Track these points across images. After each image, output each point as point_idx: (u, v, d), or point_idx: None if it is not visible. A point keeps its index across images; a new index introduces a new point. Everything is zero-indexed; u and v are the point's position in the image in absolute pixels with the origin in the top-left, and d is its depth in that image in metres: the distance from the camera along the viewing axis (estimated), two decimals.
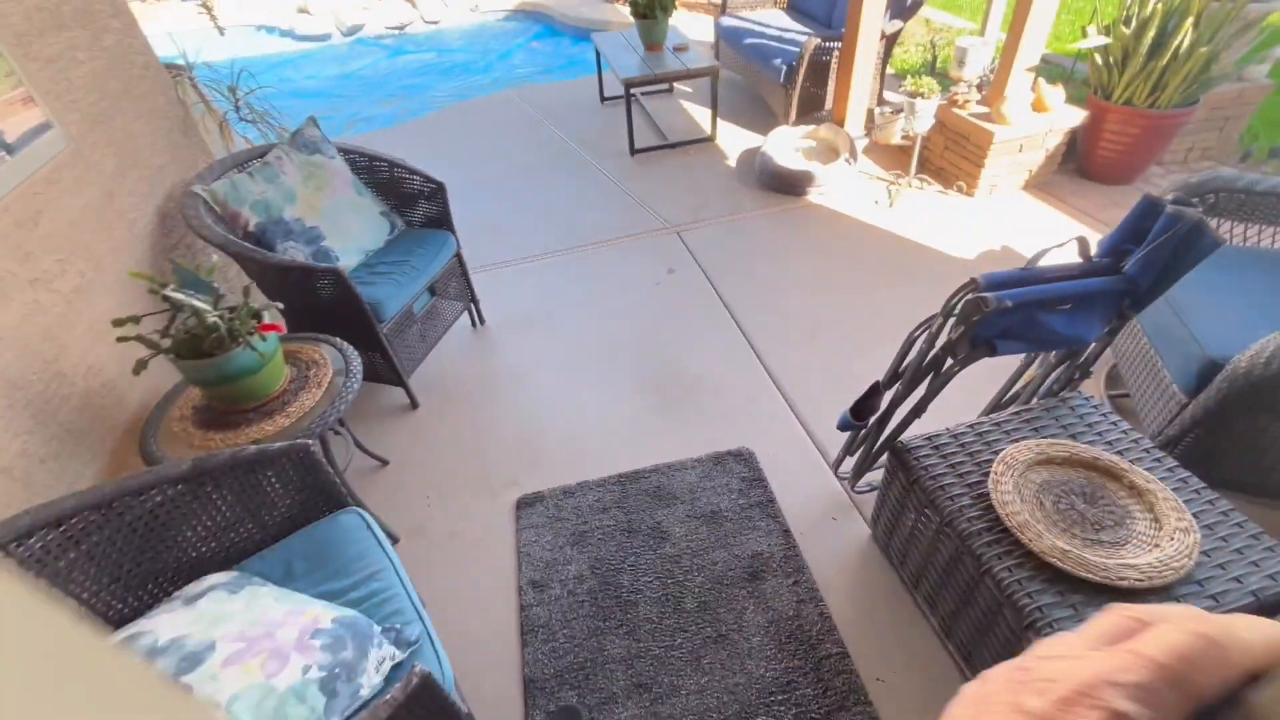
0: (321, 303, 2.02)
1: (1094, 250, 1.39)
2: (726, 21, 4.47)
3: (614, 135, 4.22)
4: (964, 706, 0.24)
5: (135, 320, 1.36)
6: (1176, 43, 2.76)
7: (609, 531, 1.84)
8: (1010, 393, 1.75)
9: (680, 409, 2.26)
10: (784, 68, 3.73)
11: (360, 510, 1.40)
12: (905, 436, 1.57)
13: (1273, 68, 3.27)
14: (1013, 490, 1.37)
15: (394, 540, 1.88)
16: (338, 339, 1.79)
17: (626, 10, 3.90)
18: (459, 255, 2.48)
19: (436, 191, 2.38)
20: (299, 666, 1.02)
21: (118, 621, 1.14)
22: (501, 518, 1.94)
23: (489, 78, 6.32)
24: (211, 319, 1.34)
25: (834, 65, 3.75)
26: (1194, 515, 1.32)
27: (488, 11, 8.17)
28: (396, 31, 7.90)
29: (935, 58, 3.76)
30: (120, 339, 1.34)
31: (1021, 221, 3.10)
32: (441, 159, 4.17)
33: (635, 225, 3.33)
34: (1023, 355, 1.77)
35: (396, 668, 1.13)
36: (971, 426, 1.58)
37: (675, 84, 4.85)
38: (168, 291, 1.32)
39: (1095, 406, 1.59)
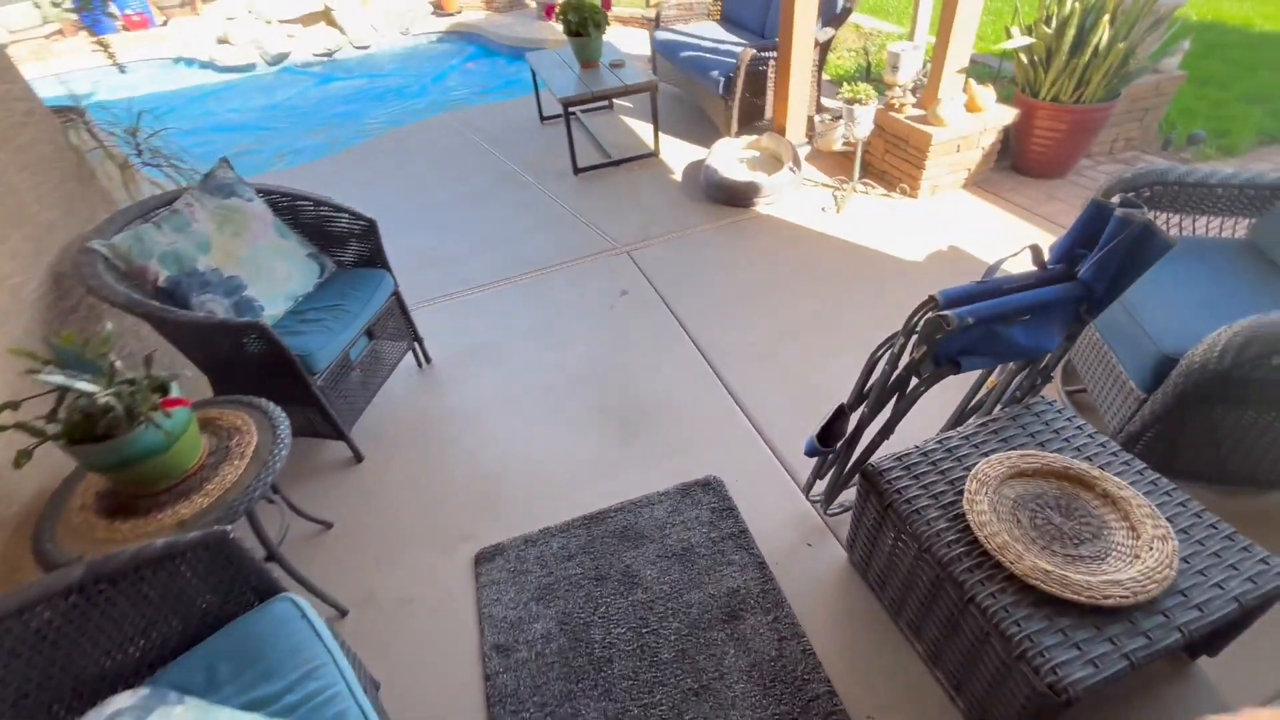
0: (248, 358, 1.86)
1: (1047, 257, 1.37)
2: (661, 35, 4.45)
3: (556, 155, 4.13)
4: None
5: (14, 406, 1.19)
6: (1096, 40, 2.84)
7: (576, 581, 1.73)
8: (974, 401, 1.72)
9: (643, 439, 2.17)
10: (722, 79, 3.71)
11: (293, 597, 1.26)
12: (875, 458, 1.51)
13: (1183, 59, 3.42)
14: (989, 508, 1.33)
15: (341, 614, 1.72)
16: (262, 400, 1.63)
17: (560, 28, 3.82)
18: (397, 293, 2.34)
19: (368, 229, 2.24)
20: None
21: None
22: (459, 576, 1.80)
23: (424, 101, 6.15)
24: (104, 399, 1.18)
25: (771, 74, 3.75)
26: (1168, 520, 1.29)
27: (419, 34, 7.99)
28: (325, 58, 7.64)
29: (869, 64, 3.80)
30: None
31: (965, 220, 3.14)
32: (377, 188, 4.01)
33: (584, 247, 3.24)
34: None
35: None
36: (940, 442, 1.53)
37: (615, 100, 4.80)
38: (44, 375, 1.16)
39: (1060, 411, 1.57)
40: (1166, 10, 2.95)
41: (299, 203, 2.20)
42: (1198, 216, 2.01)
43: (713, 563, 1.74)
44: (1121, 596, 1.15)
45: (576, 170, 3.92)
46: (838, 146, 3.25)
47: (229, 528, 1.18)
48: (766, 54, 3.65)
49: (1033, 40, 3.02)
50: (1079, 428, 1.53)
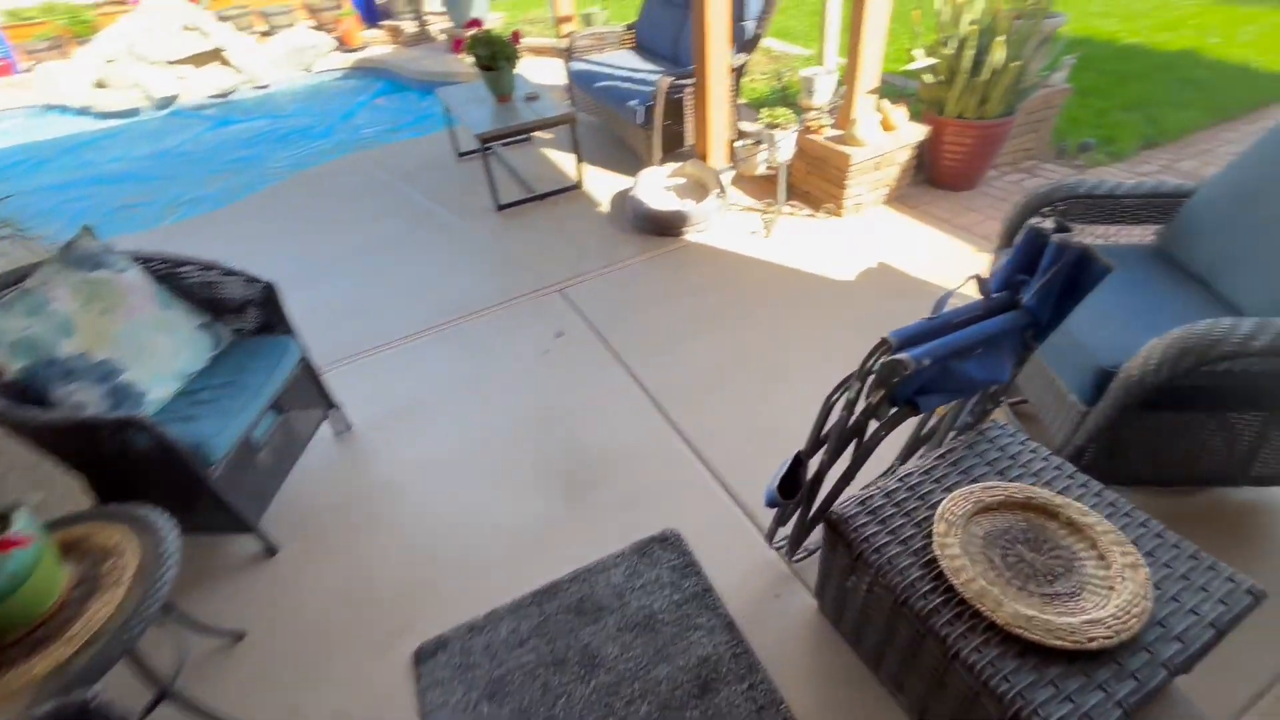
0: (129, 454, 1.61)
1: (990, 283, 1.34)
2: (576, 65, 4.39)
3: (476, 192, 3.97)
4: None
5: None
6: (993, 59, 2.97)
7: (531, 670, 1.56)
8: (925, 430, 1.69)
9: (592, 494, 2.03)
10: (641, 109, 3.67)
11: None
12: (838, 504, 1.44)
13: (1069, 73, 3.65)
14: (960, 550, 1.26)
15: None
16: (142, 509, 1.40)
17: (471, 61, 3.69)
18: (305, 360, 2.11)
19: (266, 292, 2.02)
20: None
21: None
22: (397, 679, 1.60)
23: (331, 141, 5.85)
24: None
25: (689, 102, 3.74)
26: (1133, 543, 1.27)
27: (323, 71, 7.66)
28: (220, 100, 7.20)
29: (785, 88, 3.86)
30: None
31: (889, 236, 3.19)
32: (283, 237, 3.72)
33: (513, 288, 3.09)
34: None
35: None
36: (902, 480, 1.47)
37: (535, 133, 4.70)
38: None
39: (1013, 435, 1.55)
40: (1051, 29, 3.12)
41: (182, 269, 1.96)
42: (1109, 226, 2.08)
43: (679, 629, 1.61)
44: (1105, 638, 1.10)
45: (498, 207, 3.77)
46: (761, 170, 3.26)
47: (93, 691, 0.96)
48: (683, 81, 3.65)
49: (935, 61, 3.13)
50: (1033, 451, 1.50)
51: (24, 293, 1.69)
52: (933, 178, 3.56)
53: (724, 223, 3.41)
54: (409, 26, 7.71)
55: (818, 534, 1.62)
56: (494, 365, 2.62)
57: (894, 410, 1.20)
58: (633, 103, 3.71)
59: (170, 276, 1.96)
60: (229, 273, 1.98)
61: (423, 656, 1.62)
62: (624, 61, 4.35)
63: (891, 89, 4.04)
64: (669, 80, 3.56)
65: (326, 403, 2.25)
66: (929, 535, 1.34)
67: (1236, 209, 1.78)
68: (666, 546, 1.82)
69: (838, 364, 2.42)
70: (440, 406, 2.43)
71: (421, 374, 2.61)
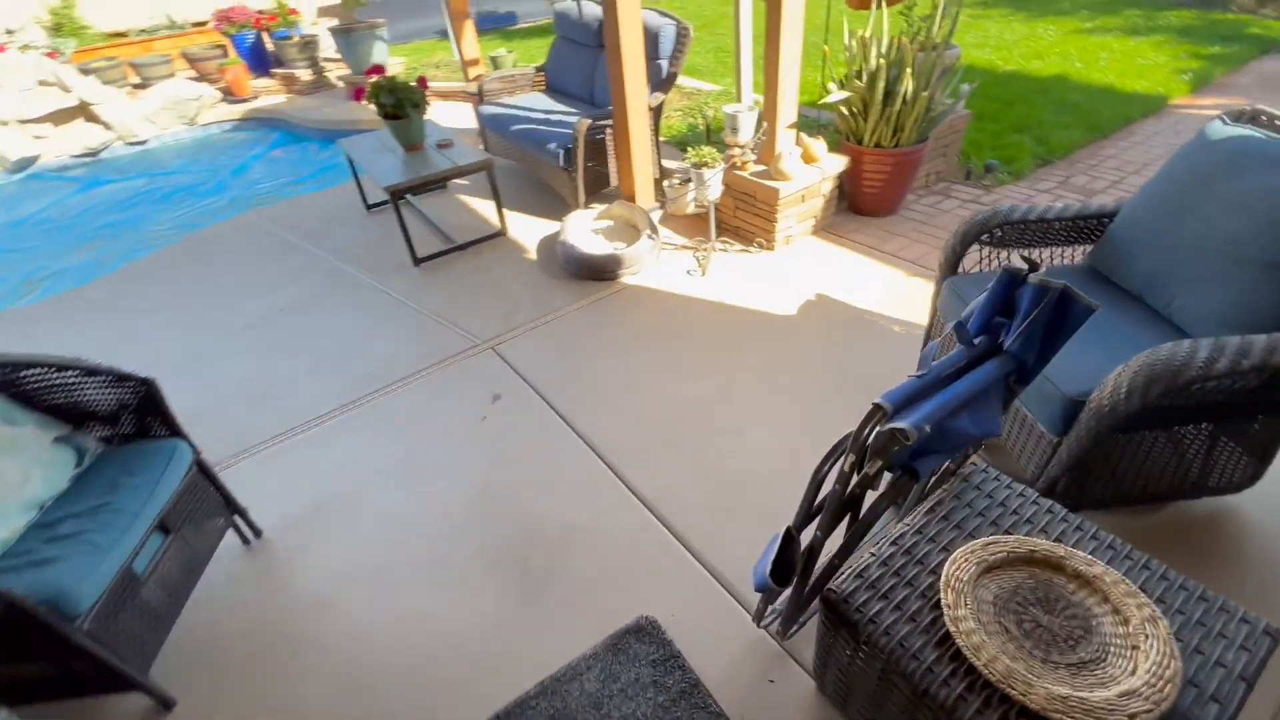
0: None
1: (968, 328, 1.26)
2: (487, 109, 4.24)
3: (390, 246, 3.70)
4: None
5: None
6: (903, 90, 3.06)
7: None
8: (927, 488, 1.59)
9: (551, 583, 1.81)
10: (561, 151, 3.55)
11: None
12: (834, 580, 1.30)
13: (967, 100, 3.84)
14: (975, 624, 1.15)
15: None
16: None
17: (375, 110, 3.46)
18: (198, 462, 1.79)
19: (143, 391, 1.70)
20: None
21: None
22: None
23: (224, 199, 5.38)
24: None
25: (609, 142, 3.66)
26: (1142, 589, 1.21)
27: (210, 123, 7.12)
28: (88, 159, 6.52)
29: (709, 127, 3.87)
30: None
31: (822, 266, 3.19)
32: (170, 311, 3.30)
33: (440, 349, 2.84)
34: None
35: None
36: (895, 543, 1.36)
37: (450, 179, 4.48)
38: None
39: (997, 478, 1.48)
40: (951, 60, 3.27)
41: (27, 373, 1.62)
42: (1043, 249, 2.12)
43: None
44: (1146, 711, 1.00)
45: (417, 261, 3.52)
46: (690, 210, 3.20)
47: None
48: (602, 122, 3.56)
49: (849, 94, 3.20)
50: (1021, 495, 1.44)
51: None
52: (854, 205, 3.62)
53: (658, 263, 3.31)
54: (304, 74, 7.33)
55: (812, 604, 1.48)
56: (424, 441, 2.36)
57: (894, 480, 1.09)
58: (552, 145, 3.59)
59: (10, 383, 1.61)
60: (91, 371, 1.65)
61: None
62: (537, 104, 4.23)
63: (806, 121, 4.13)
64: (587, 122, 3.47)
65: (229, 509, 1.93)
66: (937, 606, 1.23)
67: (1161, 227, 1.83)
68: (643, 637, 1.63)
69: (793, 406, 2.36)
70: (365, 497, 2.15)
71: (341, 460, 2.31)
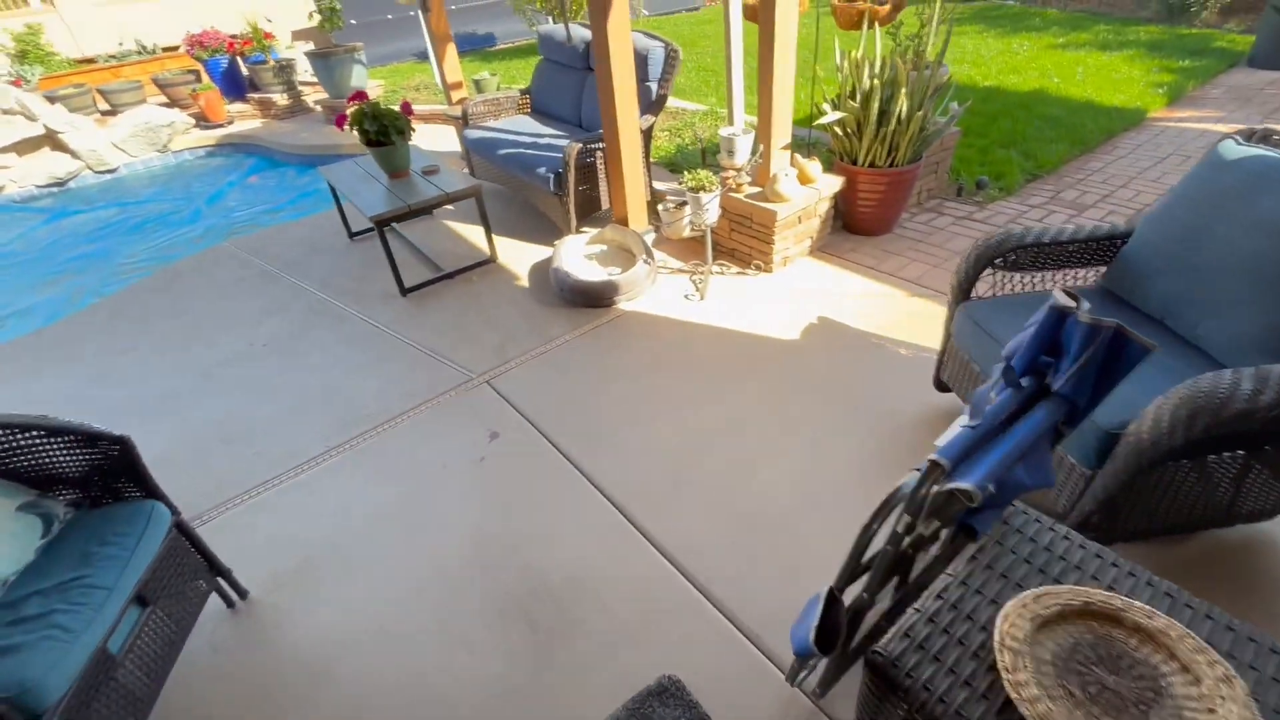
0: None
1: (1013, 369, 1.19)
2: (473, 134, 4.15)
3: (376, 276, 3.58)
4: None
5: None
6: (897, 110, 3.03)
7: None
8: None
9: (564, 640, 1.69)
10: (552, 175, 3.48)
11: None
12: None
13: (958, 119, 3.84)
14: (1038, 689, 1.06)
15: None
16: None
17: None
18: (177, 523, 1.66)
19: (116, 450, 1.56)
20: None
21: None
22: None
23: (199, 228, 5.21)
24: None
25: (600, 165, 3.59)
26: (1208, 641, 1.13)
27: (182, 150, 6.94)
28: (55, 189, 6.30)
29: (704, 149, 3.82)
30: None
31: (822, 288, 3.13)
32: (142, 349, 3.14)
33: (432, 384, 2.72)
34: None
35: None
36: (940, 596, 1.27)
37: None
38: None
39: (1037, 519, 1.41)
40: (943, 79, 3.26)
41: None
42: (1056, 271, 2.07)
43: None
44: None
45: (404, 291, 3.40)
46: (686, 234, 3.13)
47: None
48: (593, 145, 3.50)
49: (844, 114, 3.17)
50: (1066, 537, 1.36)
51: None
52: (850, 225, 3.59)
53: (655, 288, 3.23)
54: (280, 99, 7.19)
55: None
56: (419, 485, 2.23)
57: (952, 540, 1.00)
58: (542, 169, 3.51)
59: None
60: (55, 431, 1.51)
61: None
62: (524, 127, 4.16)
63: (798, 141, 4.11)
64: (577, 147, 3.40)
65: (212, 570, 1.78)
66: (992, 668, 1.14)
67: (1180, 251, 1.79)
68: (667, 699, 1.52)
69: (804, 436, 2.27)
70: (357, 549, 2.01)
71: (330, 509, 2.17)
